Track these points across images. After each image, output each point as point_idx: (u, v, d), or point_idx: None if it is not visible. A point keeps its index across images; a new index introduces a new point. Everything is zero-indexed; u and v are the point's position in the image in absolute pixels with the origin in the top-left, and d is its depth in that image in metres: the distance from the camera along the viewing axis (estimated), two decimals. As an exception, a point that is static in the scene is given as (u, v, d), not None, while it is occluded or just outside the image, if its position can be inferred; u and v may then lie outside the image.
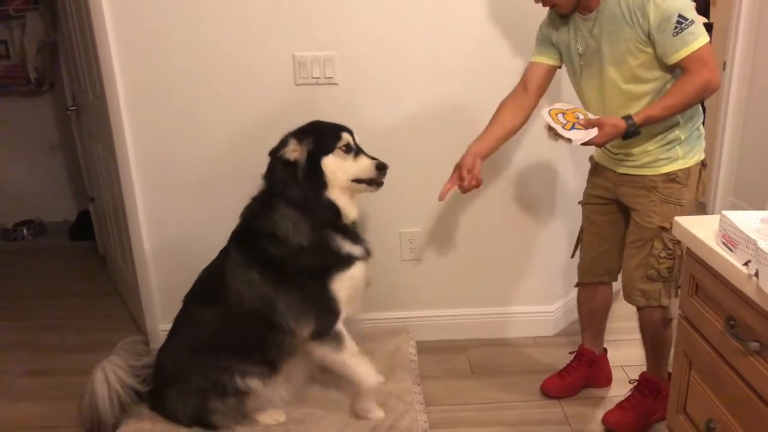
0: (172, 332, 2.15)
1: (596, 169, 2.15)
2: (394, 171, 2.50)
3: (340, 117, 2.41)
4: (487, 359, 2.57)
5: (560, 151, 2.50)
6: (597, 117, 1.87)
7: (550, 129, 1.88)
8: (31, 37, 3.99)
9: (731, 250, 1.17)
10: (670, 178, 1.92)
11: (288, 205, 1.97)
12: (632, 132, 1.80)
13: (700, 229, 1.30)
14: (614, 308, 3.03)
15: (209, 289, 2.07)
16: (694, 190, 1.96)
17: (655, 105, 1.81)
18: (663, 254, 1.92)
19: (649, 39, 1.77)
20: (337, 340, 2.01)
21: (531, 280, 2.70)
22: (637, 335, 2.77)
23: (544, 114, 1.90)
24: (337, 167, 1.99)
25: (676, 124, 1.90)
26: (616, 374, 2.44)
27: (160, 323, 2.65)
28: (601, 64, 1.90)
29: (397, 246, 2.61)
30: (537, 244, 2.64)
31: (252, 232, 2.03)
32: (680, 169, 1.92)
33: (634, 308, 2.94)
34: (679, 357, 1.44)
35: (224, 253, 2.10)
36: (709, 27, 3.67)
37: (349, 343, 2.04)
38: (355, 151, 2.04)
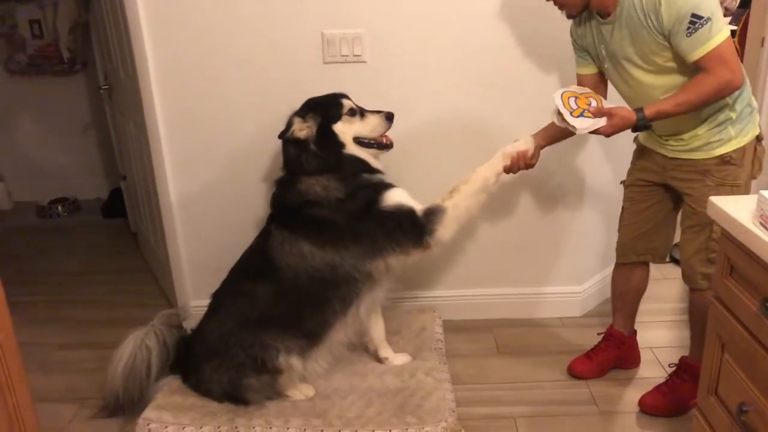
0: (215, 308, 2.16)
1: (642, 152, 2.09)
2: (421, 150, 2.50)
3: (368, 95, 2.41)
4: (513, 339, 2.57)
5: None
6: (609, 106, 1.82)
7: (558, 114, 1.83)
8: (63, 17, 4.05)
9: (769, 231, 1.15)
10: (724, 160, 1.85)
11: (310, 175, 2.01)
12: (642, 125, 1.76)
13: (735, 209, 1.27)
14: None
15: (257, 267, 2.08)
16: (750, 168, 1.88)
17: (668, 100, 1.76)
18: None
19: (667, 39, 1.72)
20: (433, 213, 1.99)
21: (559, 261, 2.68)
22: (667, 317, 2.76)
23: (555, 96, 1.85)
24: (348, 131, 2.06)
25: (726, 105, 1.82)
26: (644, 356, 2.42)
27: (191, 299, 2.70)
28: (628, 64, 1.85)
29: (424, 225, 2.61)
30: (566, 224, 2.62)
31: (286, 210, 2.06)
32: (734, 150, 1.84)
33: (664, 290, 2.92)
34: (711, 339, 1.42)
35: (264, 235, 2.11)
36: (747, 1, 3.56)
37: (447, 205, 2.00)
38: (359, 112, 2.10)
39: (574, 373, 2.34)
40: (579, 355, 2.37)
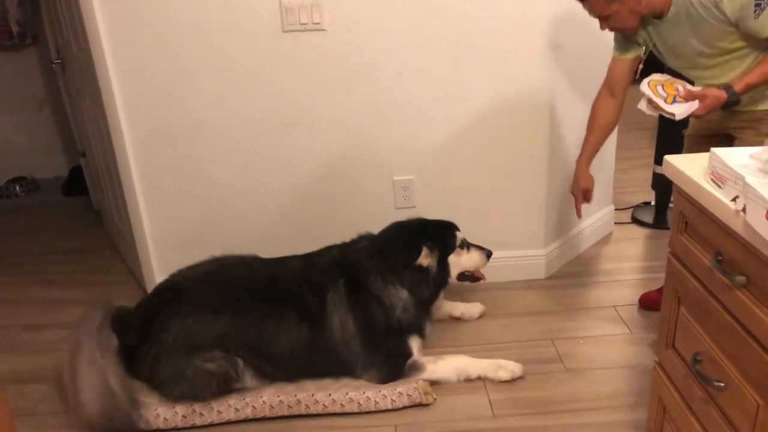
0: (235, 307, 2.07)
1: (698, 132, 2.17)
2: (385, 117, 2.50)
3: (329, 63, 2.39)
4: (481, 302, 2.61)
5: (554, 93, 2.49)
6: (698, 89, 1.89)
7: (651, 102, 1.90)
8: (10, -11, 3.89)
9: (720, 187, 1.18)
10: None
11: (409, 293, 2.15)
12: (732, 101, 1.83)
13: (689, 167, 1.31)
14: (606, 249, 3.09)
15: (311, 309, 2.09)
16: None
17: (753, 72, 1.82)
18: None
19: (734, 25, 1.78)
20: (414, 369, 2.13)
21: (524, 225, 2.72)
22: (629, 276, 2.83)
23: (643, 88, 1.91)
24: (456, 263, 2.26)
25: None
26: (608, 314, 2.49)
27: (158, 275, 2.67)
28: (691, 54, 1.92)
29: (391, 194, 2.62)
30: (529, 187, 2.65)
31: (365, 285, 2.14)
32: None
33: (626, 250, 2.97)
34: (668, 293, 1.47)
35: (330, 279, 2.14)
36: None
37: (428, 360, 2.16)
38: (466, 245, 2.31)
39: (643, 305, 2.49)
40: (648, 290, 2.51)
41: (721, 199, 1.16)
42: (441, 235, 2.24)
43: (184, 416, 1.97)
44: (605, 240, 3.12)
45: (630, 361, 2.23)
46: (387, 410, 2.03)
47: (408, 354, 2.14)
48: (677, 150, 2.36)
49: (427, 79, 2.43)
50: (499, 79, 2.44)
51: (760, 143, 1.88)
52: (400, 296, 2.14)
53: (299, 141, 2.51)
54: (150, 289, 2.70)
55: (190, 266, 2.23)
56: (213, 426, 1.99)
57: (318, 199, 2.62)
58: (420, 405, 2.04)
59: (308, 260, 2.23)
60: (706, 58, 1.92)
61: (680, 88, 1.90)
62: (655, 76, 1.95)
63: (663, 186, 3.20)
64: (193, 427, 1.99)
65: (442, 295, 2.30)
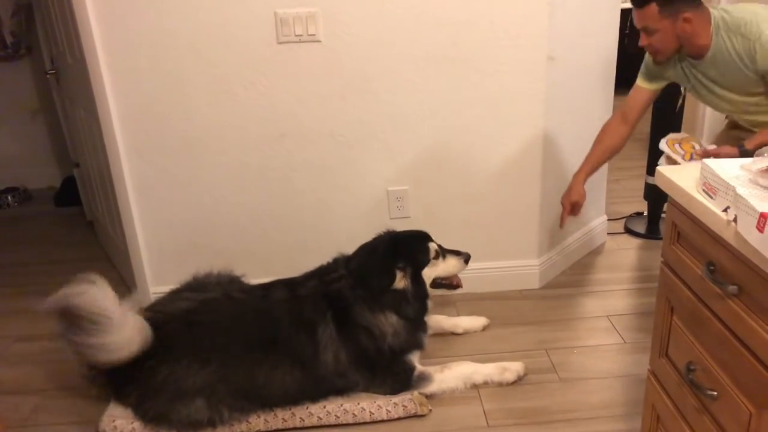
0: (223, 352, 2.00)
1: (737, 124, 2.26)
2: (380, 128, 2.51)
3: (324, 75, 2.41)
4: (475, 312, 2.62)
5: (547, 105, 2.51)
6: (712, 147, 2.01)
7: (669, 159, 2.02)
8: (5, 0, 3.89)
9: (711, 198, 1.19)
10: None
11: (396, 314, 2.12)
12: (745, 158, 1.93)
13: (681, 178, 1.32)
14: (599, 259, 3.10)
15: (303, 349, 2.03)
16: None
17: (766, 131, 1.96)
18: None
19: (761, 77, 1.91)
20: (423, 379, 2.13)
21: (518, 235, 2.73)
22: (623, 285, 2.84)
23: (662, 146, 2.05)
24: (431, 273, 2.20)
25: None
26: (601, 324, 2.50)
27: (151, 286, 2.67)
28: (724, 92, 2.04)
29: (385, 204, 2.63)
30: (523, 199, 2.66)
31: (352, 317, 2.09)
32: None
33: (618, 260, 2.97)
34: (661, 303, 1.48)
35: (318, 313, 2.07)
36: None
37: (434, 370, 2.16)
38: (441, 253, 2.23)
39: None
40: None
41: (712, 209, 1.17)
42: (413, 251, 2.17)
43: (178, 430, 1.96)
44: (598, 250, 3.14)
45: (623, 370, 2.24)
46: (382, 421, 2.03)
47: (411, 368, 2.14)
48: (669, 161, 2.38)
49: (422, 90, 2.45)
50: (493, 90, 2.46)
51: None
52: (390, 322, 2.10)
53: (294, 152, 2.52)
54: (142, 299, 2.69)
55: (170, 296, 2.22)
56: (207, 438, 1.99)
57: (312, 209, 2.63)
58: (415, 416, 2.04)
59: (292, 290, 2.15)
60: (732, 95, 2.02)
61: (696, 146, 2.02)
62: (672, 135, 2.09)
63: (655, 196, 3.23)
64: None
65: (430, 305, 2.24)
